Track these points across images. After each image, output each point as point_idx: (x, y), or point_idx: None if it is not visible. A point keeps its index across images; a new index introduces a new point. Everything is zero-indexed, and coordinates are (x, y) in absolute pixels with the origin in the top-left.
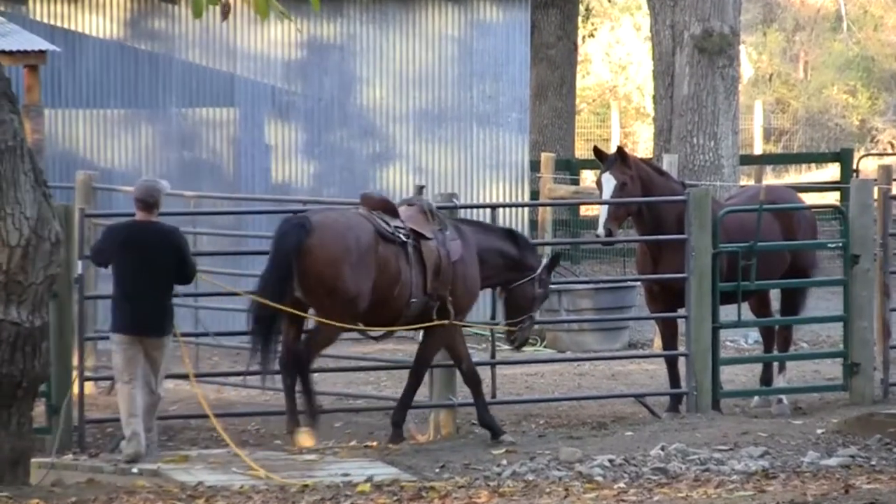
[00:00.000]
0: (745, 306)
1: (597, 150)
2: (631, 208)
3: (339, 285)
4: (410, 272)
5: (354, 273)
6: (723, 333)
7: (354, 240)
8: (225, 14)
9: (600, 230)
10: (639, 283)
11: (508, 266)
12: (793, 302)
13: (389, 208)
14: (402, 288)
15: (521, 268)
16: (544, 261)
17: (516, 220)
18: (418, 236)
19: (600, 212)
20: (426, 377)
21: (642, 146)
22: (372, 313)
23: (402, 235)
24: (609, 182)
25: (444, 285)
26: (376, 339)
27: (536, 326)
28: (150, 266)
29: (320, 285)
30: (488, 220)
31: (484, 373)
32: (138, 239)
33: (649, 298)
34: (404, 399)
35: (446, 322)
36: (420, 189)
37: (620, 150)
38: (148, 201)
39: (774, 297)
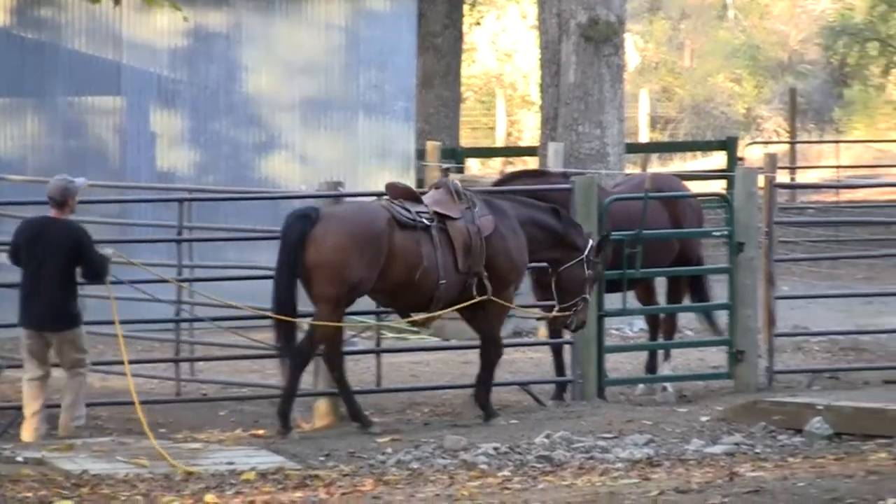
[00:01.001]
0: (631, 294)
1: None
2: None
3: (338, 274)
4: (436, 254)
5: (357, 263)
6: (608, 321)
7: (360, 230)
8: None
9: None
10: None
11: (553, 241)
12: (678, 290)
13: (412, 195)
14: (425, 271)
15: (566, 246)
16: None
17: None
18: (443, 218)
19: None
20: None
21: (528, 134)
22: (397, 299)
23: (424, 220)
24: None
25: (477, 262)
26: (418, 326)
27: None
28: (49, 262)
29: (322, 273)
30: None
31: (368, 361)
32: (42, 235)
33: (536, 287)
34: (484, 378)
35: (482, 298)
36: (445, 171)
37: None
38: (57, 199)
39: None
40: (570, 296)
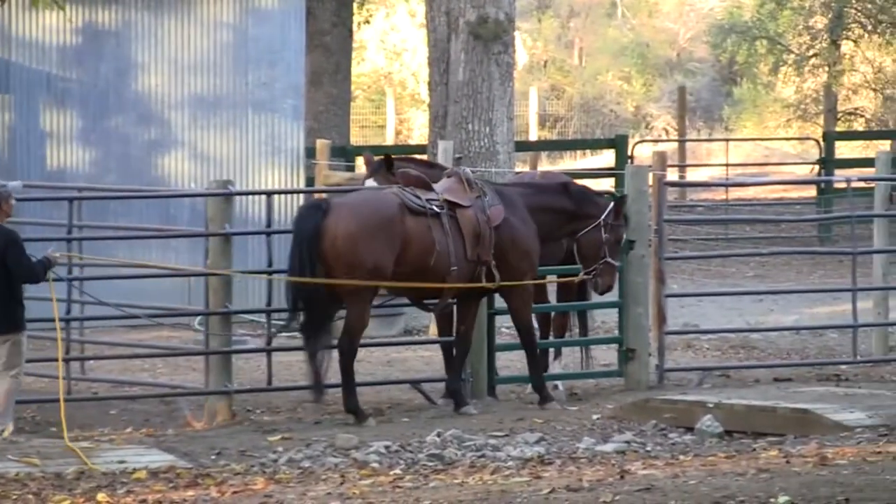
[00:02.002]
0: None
1: (364, 156)
2: None
3: (355, 261)
4: (447, 241)
5: (372, 248)
6: (498, 320)
7: (371, 216)
8: None
9: None
10: None
11: (567, 219)
12: (569, 288)
13: (423, 183)
14: (438, 257)
15: (580, 218)
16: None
17: (292, 207)
18: (454, 206)
19: None
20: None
21: (417, 133)
22: (407, 280)
23: (434, 207)
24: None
25: (486, 251)
26: (432, 310)
27: None
28: None
29: (339, 263)
30: (264, 208)
31: (259, 360)
32: None
33: None
34: (532, 366)
35: (489, 285)
36: (458, 160)
37: (387, 157)
38: None
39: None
40: (590, 261)
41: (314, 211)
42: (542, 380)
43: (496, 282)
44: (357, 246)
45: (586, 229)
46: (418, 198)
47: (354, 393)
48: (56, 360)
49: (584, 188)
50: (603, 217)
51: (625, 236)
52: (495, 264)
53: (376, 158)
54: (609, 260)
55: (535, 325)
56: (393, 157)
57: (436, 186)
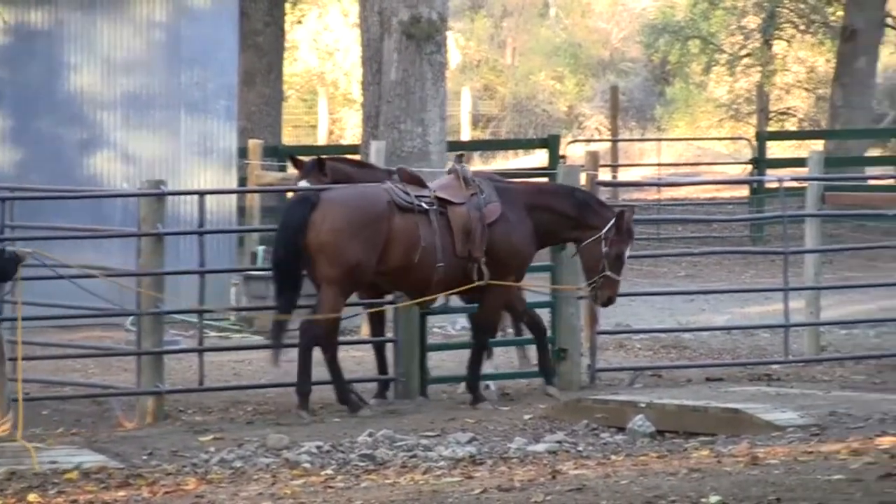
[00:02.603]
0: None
1: (293, 159)
2: None
3: (339, 255)
4: (434, 238)
5: (355, 245)
6: (430, 320)
7: (358, 212)
8: None
9: None
10: None
11: (568, 225)
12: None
13: (417, 180)
14: (424, 253)
15: (583, 227)
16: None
17: (225, 207)
18: (446, 203)
19: None
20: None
21: (350, 132)
22: (401, 279)
23: (423, 204)
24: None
25: (477, 248)
26: (423, 305)
27: (245, 313)
28: None
29: (321, 256)
30: (197, 207)
31: (191, 360)
32: None
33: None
34: (472, 364)
35: (479, 283)
36: (459, 157)
37: (319, 158)
38: None
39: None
40: (590, 273)
41: (303, 203)
42: (478, 380)
43: (484, 279)
44: (341, 241)
45: (588, 240)
46: (407, 194)
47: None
48: None
49: (593, 197)
50: (605, 230)
51: (627, 252)
52: (485, 261)
53: (308, 159)
54: (608, 274)
55: (468, 324)
56: (325, 157)
57: (432, 184)
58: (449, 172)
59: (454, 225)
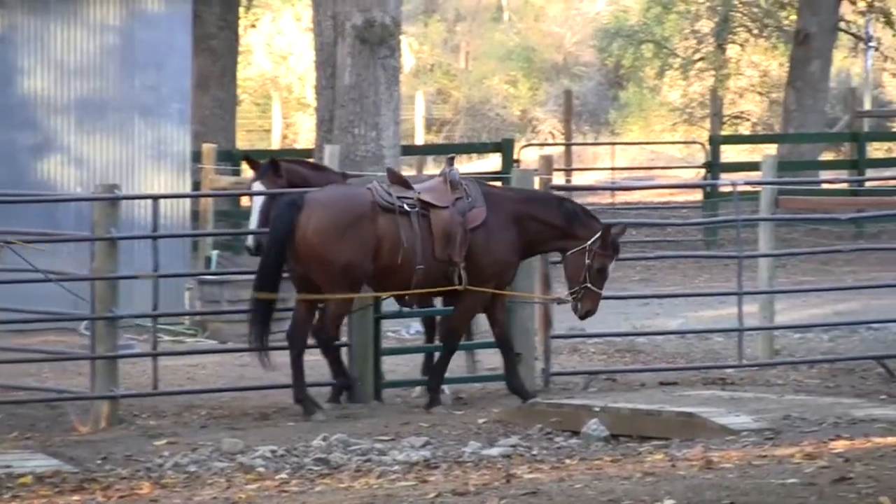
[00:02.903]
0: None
1: (249, 160)
2: None
3: (327, 256)
4: (415, 240)
5: (342, 244)
6: (385, 324)
7: (343, 212)
8: None
9: (250, 242)
10: None
11: (554, 235)
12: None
13: (403, 182)
14: (405, 255)
15: (569, 237)
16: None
17: (179, 211)
18: (428, 206)
19: (250, 225)
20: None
21: (304, 137)
22: (383, 280)
23: (405, 206)
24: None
25: (457, 252)
26: (405, 305)
27: (198, 318)
28: None
29: (311, 258)
30: (151, 212)
31: (144, 364)
32: None
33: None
34: (438, 367)
35: (453, 288)
36: (451, 160)
37: (273, 160)
38: None
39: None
40: (572, 282)
41: (289, 207)
42: (439, 384)
43: (462, 284)
44: (327, 242)
45: (573, 251)
46: (390, 195)
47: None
48: None
49: (582, 208)
50: (589, 242)
51: (610, 266)
52: (464, 266)
53: (262, 162)
54: (589, 286)
55: (422, 328)
56: (280, 160)
57: (418, 186)
58: (440, 175)
59: (435, 228)
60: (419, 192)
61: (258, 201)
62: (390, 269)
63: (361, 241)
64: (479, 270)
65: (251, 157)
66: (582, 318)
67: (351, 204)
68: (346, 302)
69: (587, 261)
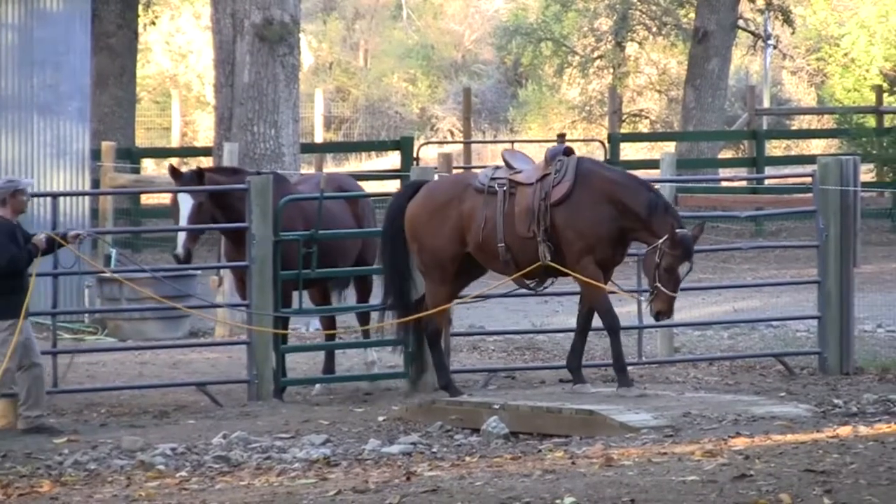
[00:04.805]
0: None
1: (172, 169)
2: (200, 229)
3: (418, 241)
4: (497, 218)
5: (429, 229)
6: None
7: (432, 198)
8: None
9: (179, 250)
10: (200, 272)
11: (634, 224)
12: (364, 289)
13: (505, 163)
14: (486, 233)
15: (646, 230)
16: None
17: (78, 209)
18: (516, 184)
19: (179, 234)
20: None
21: (203, 135)
22: (480, 261)
23: (496, 185)
24: (185, 203)
25: (537, 227)
26: (525, 287)
27: (98, 315)
28: None
29: (411, 243)
30: (51, 210)
31: (46, 361)
32: None
33: (238, 286)
34: (615, 353)
35: (537, 265)
36: (560, 137)
37: (199, 169)
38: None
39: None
40: (649, 280)
41: (405, 190)
42: (624, 363)
43: (546, 260)
44: (418, 227)
45: (648, 248)
46: (485, 177)
47: (445, 369)
48: None
49: (666, 204)
50: (661, 241)
51: (683, 271)
52: (549, 242)
53: (187, 171)
54: (658, 286)
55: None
56: (204, 169)
57: (521, 166)
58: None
59: (517, 205)
60: (514, 172)
61: (185, 209)
62: (477, 248)
63: (445, 225)
64: (566, 247)
65: (175, 168)
66: (654, 318)
67: (443, 189)
68: (443, 292)
69: (657, 259)
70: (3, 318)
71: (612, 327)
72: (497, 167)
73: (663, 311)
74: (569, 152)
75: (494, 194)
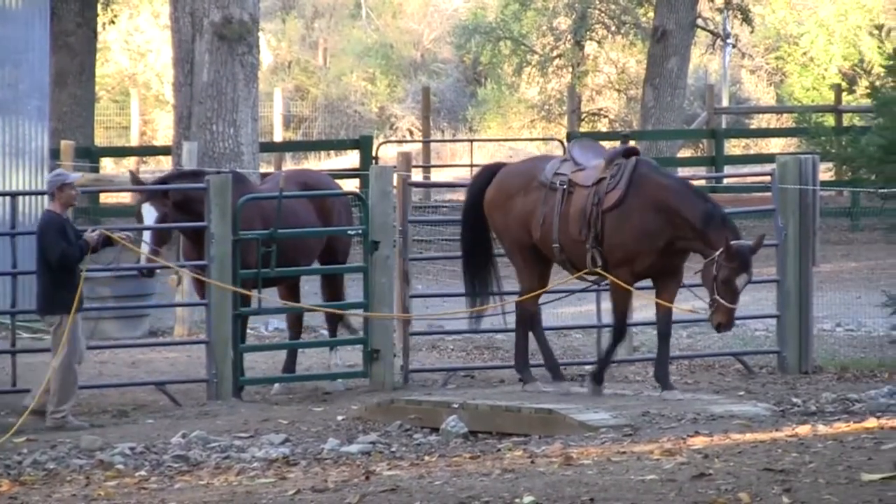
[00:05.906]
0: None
1: (133, 176)
2: (167, 237)
3: (493, 225)
4: (554, 217)
5: (499, 215)
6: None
7: (502, 185)
8: None
9: (143, 262)
10: (159, 270)
11: (689, 234)
12: (334, 288)
13: (571, 156)
14: (544, 230)
15: (702, 240)
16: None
17: (37, 208)
18: (574, 185)
19: (143, 246)
20: None
21: (162, 134)
22: (549, 255)
23: (557, 182)
24: (150, 213)
25: (588, 232)
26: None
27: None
28: (38, 251)
29: (493, 227)
30: (9, 209)
31: (4, 361)
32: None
33: (198, 286)
34: (662, 358)
35: (583, 272)
36: (624, 138)
37: (162, 180)
38: (47, 191)
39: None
40: (708, 293)
41: (481, 174)
42: (667, 369)
43: (596, 266)
44: (493, 212)
45: (706, 261)
46: (551, 171)
47: (525, 354)
48: None
49: (723, 215)
50: (717, 253)
51: (740, 283)
52: (599, 248)
53: (152, 183)
54: (717, 298)
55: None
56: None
57: (587, 163)
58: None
59: (572, 207)
60: (577, 169)
61: (149, 220)
62: (540, 243)
63: (513, 214)
64: (610, 254)
65: (135, 175)
66: (716, 330)
67: (511, 178)
68: (529, 274)
69: (714, 272)
70: (52, 312)
71: (618, 333)
72: (564, 159)
73: (724, 324)
74: (630, 153)
75: (555, 191)
